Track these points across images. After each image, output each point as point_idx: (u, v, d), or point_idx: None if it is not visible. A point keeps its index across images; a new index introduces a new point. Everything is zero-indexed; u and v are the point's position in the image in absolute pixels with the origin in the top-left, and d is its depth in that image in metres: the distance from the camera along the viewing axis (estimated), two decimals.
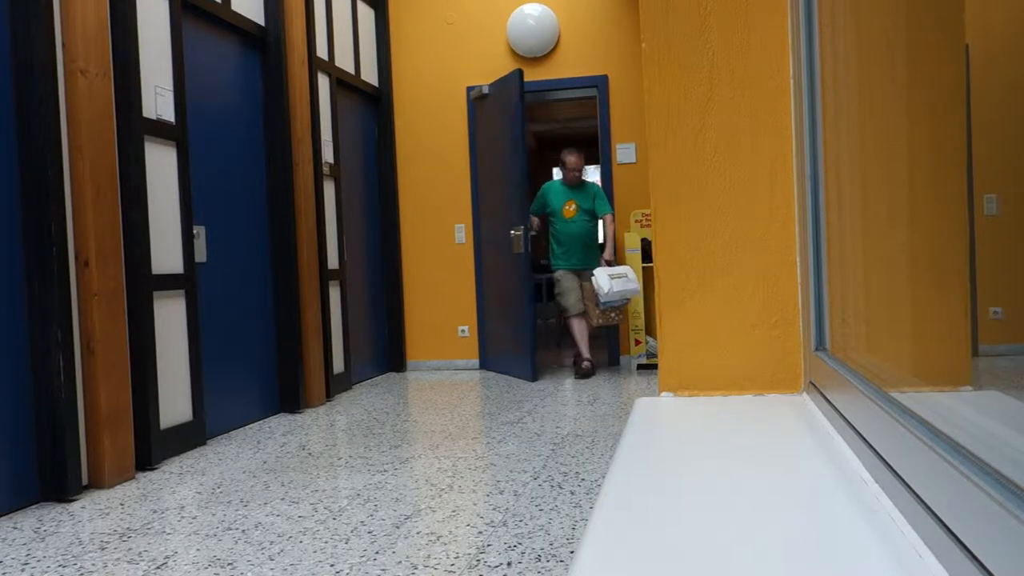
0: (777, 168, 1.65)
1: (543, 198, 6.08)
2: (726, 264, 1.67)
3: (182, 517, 2.83)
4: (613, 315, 5.72)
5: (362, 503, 2.89)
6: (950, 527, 0.75)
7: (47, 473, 3.10)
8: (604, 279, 5.48)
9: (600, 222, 6.06)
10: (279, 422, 4.54)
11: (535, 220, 6.06)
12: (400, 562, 2.30)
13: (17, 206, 3.08)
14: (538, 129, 11.09)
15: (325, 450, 3.79)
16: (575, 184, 6.01)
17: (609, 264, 5.85)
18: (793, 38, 1.61)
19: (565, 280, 5.97)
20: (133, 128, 3.52)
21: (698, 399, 1.67)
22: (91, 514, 2.92)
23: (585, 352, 5.90)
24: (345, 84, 5.87)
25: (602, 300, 5.55)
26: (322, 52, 5.49)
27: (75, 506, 3.03)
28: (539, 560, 2.28)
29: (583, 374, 5.81)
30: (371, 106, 6.40)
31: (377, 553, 2.38)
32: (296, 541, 2.52)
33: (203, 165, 4.20)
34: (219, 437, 4.17)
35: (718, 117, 1.66)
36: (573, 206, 5.94)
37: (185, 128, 3.93)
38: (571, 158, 5.97)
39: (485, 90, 6.08)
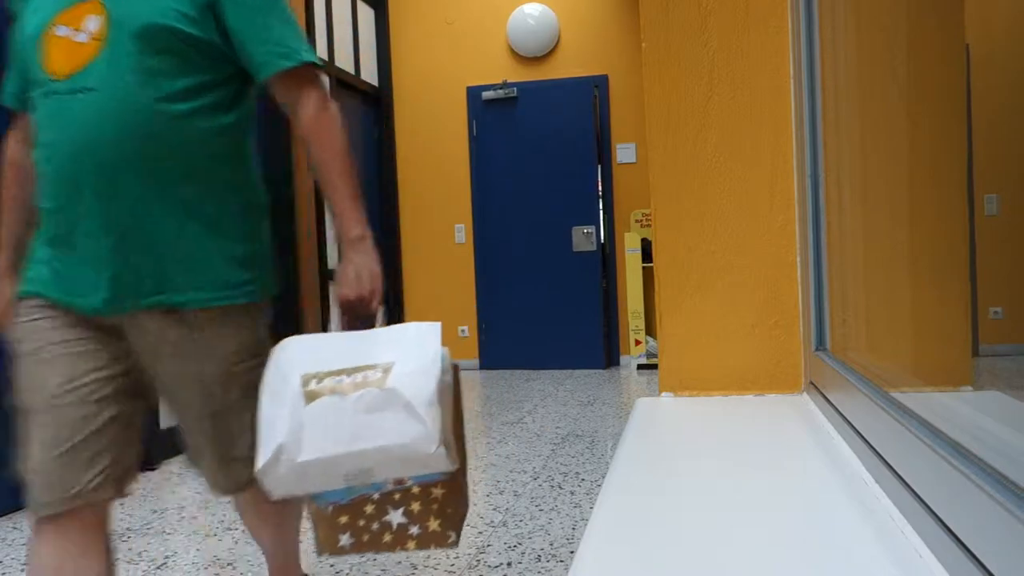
0: (777, 168, 1.65)
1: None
2: (726, 264, 1.67)
3: (182, 517, 2.82)
4: (375, 528, 1.32)
5: None
6: (950, 527, 0.75)
7: None
8: (276, 397, 1.25)
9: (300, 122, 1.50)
10: None
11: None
12: (400, 562, 2.30)
13: None
14: None
15: None
16: None
17: (351, 316, 1.48)
18: (793, 38, 1.61)
19: (30, 360, 1.41)
20: None
21: (698, 399, 1.67)
22: None
23: None
24: (345, 84, 5.87)
25: (267, 480, 1.22)
26: (322, 52, 5.49)
27: None
28: (539, 560, 2.27)
29: None
30: (371, 106, 6.40)
31: (377, 553, 2.38)
32: None
33: None
34: None
35: (718, 117, 1.67)
36: (99, 20, 1.30)
37: None
38: None
39: (514, 92, 6.19)
